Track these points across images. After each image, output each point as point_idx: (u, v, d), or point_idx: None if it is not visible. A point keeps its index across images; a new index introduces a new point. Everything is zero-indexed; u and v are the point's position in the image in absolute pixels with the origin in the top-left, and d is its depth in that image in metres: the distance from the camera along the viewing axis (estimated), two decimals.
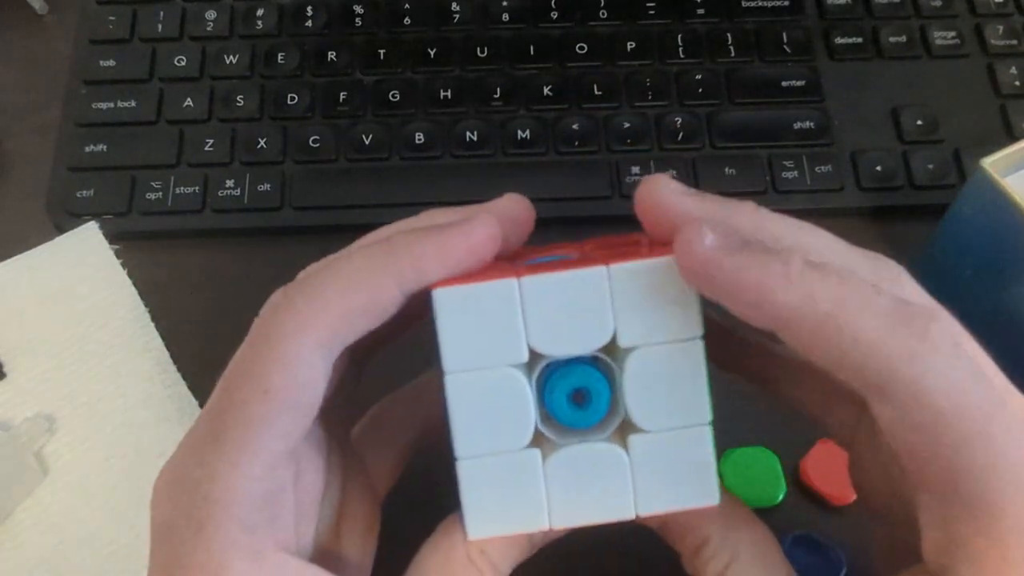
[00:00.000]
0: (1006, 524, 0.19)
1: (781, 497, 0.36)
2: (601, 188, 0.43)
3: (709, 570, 0.23)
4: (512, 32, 0.47)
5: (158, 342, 0.39)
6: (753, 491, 0.35)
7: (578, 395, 0.22)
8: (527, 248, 0.26)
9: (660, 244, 0.23)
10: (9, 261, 0.41)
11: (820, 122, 0.44)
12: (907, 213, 0.43)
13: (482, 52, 0.46)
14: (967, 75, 0.46)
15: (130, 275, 0.41)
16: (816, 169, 0.43)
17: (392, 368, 0.28)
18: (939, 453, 0.19)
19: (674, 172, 0.43)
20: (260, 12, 0.47)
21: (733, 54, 0.46)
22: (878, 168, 0.43)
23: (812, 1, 0.48)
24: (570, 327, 0.22)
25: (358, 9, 0.47)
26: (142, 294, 0.40)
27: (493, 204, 0.25)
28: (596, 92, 0.45)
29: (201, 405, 0.34)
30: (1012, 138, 0.44)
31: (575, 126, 0.44)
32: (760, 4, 0.48)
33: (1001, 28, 0.47)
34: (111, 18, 0.46)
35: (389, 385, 0.29)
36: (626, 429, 0.23)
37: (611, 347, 0.22)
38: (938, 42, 0.46)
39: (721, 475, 0.23)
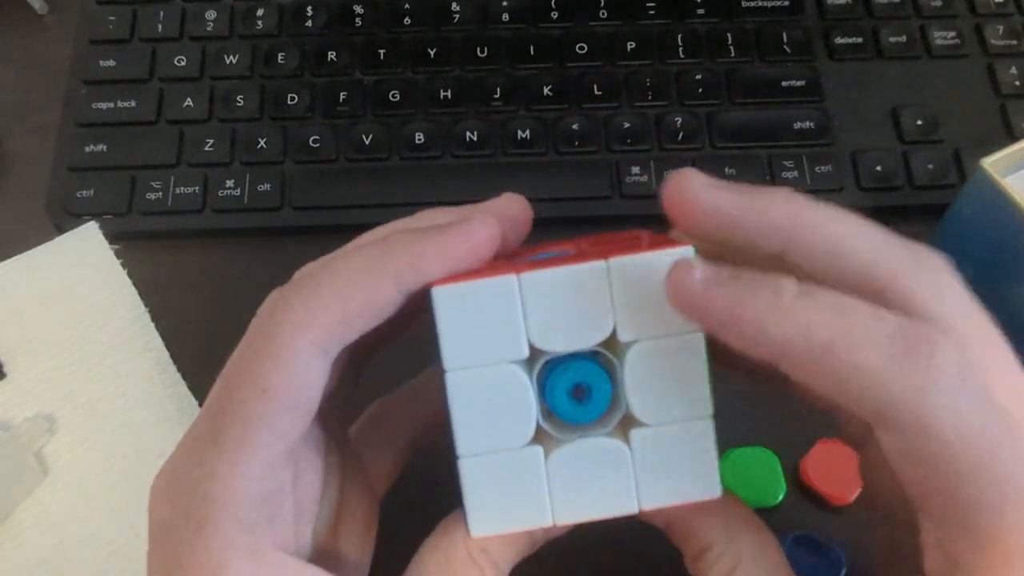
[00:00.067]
0: (1009, 550, 0.19)
1: (781, 497, 0.35)
2: (601, 188, 0.43)
3: (712, 575, 0.24)
4: (512, 32, 0.47)
5: (158, 342, 0.39)
6: (753, 491, 0.35)
7: (579, 390, 0.22)
8: (522, 247, 0.26)
9: (659, 240, 0.23)
10: (9, 261, 0.41)
11: (820, 122, 0.44)
12: (907, 213, 0.43)
13: (482, 52, 0.46)
14: (967, 75, 0.46)
15: (130, 275, 0.41)
16: (816, 169, 0.43)
17: (392, 368, 0.28)
18: (944, 483, 0.19)
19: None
20: (260, 12, 0.47)
21: (733, 54, 0.46)
22: (878, 168, 0.43)
23: (812, 1, 0.48)
24: (570, 322, 0.22)
25: (358, 9, 0.47)
26: (142, 294, 0.40)
27: (491, 204, 0.25)
28: (596, 92, 0.45)
29: (201, 405, 0.34)
30: (1012, 138, 0.44)
31: (575, 126, 0.44)
32: (760, 4, 0.48)
33: (1001, 28, 0.47)
34: (111, 18, 0.46)
35: (388, 385, 0.29)
36: (627, 424, 0.23)
37: (611, 342, 0.22)
38: (938, 42, 0.46)
39: (721, 475, 0.23)
